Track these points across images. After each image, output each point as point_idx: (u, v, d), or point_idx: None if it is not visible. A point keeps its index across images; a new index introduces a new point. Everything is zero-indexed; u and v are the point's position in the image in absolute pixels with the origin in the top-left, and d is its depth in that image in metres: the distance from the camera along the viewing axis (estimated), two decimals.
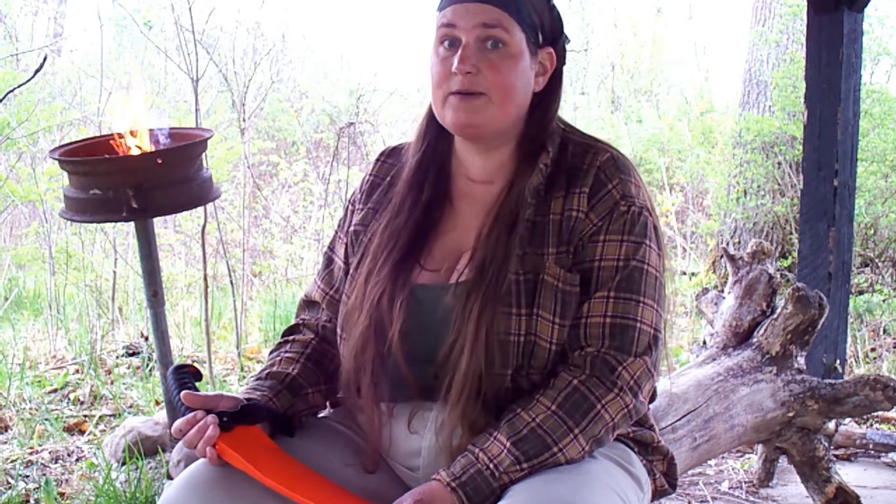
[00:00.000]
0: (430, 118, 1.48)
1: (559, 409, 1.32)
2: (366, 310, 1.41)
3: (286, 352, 1.53)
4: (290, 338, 1.57)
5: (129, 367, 4.13)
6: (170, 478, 2.78)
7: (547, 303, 1.36)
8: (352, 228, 1.54)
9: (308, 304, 1.62)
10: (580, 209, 1.39)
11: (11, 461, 3.07)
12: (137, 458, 2.81)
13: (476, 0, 1.37)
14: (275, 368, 1.49)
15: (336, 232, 1.60)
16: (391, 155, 1.57)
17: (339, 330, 1.50)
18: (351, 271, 1.50)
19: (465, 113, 1.38)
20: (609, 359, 1.35)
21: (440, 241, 1.46)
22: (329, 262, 1.59)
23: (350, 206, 1.58)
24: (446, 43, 1.39)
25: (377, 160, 1.58)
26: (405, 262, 1.42)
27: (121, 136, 2.79)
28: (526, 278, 1.37)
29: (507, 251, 1.37)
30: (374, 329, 1.40)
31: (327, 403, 1.58)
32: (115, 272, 4.87)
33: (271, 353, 1.55)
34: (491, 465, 1.30)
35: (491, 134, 1.42)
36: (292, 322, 1.63)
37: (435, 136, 1.48)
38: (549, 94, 1.45)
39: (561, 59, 1.46)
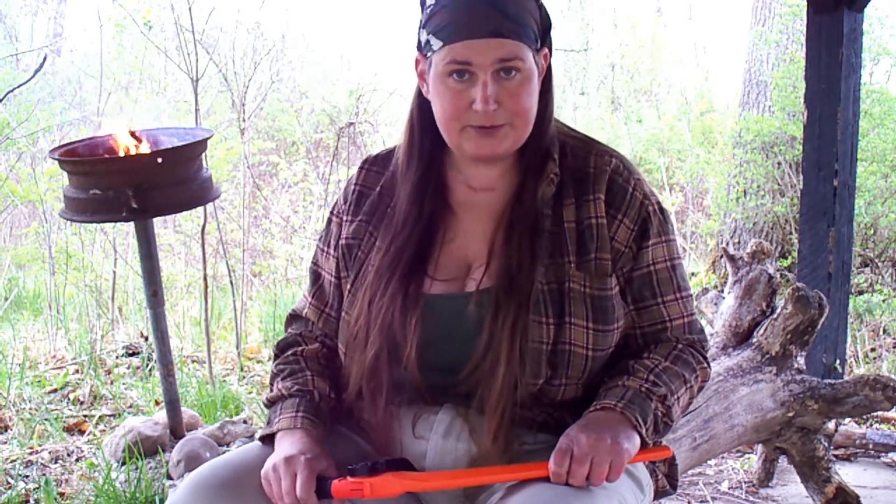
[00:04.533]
0: (423, 130, 1.44)
1: (674, 364, 1.43)
2: (375, 331, 1.39)
3: (310, 369, 1.49)
4: (299, 350, 1.53)
5: (128, 367, 4.14)
6: (170, 478, 2.78)
7: (578, 309, 1.37)
8: (343, 241, 1.50)
9: (296, 318, 1.59)
10: (599, 215, 1.40)
11: (11, 461, 3.07)
12: (137, 458, 2.81)
13: (491, 35, 1.32)
14: (313, 396, 1.45)
15: (318, 246, 1.56)
16: (375, 163, 1.53)
17: (342, 347, 1.48)
18: (348, 286, 1.47)
19: (487, 145, 1.36)
20: (695, 342, 1.49)
21: (445, 250, 1.43)
22: (317, 277, 1.55)
23: (335, 219, 1.54)
24: (455, 75, 1.34)
25: (361, 169, 1.54)
26: (413, 276, 1.40)
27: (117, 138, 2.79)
28: (550, 287, 1.37)
29: (532, 258, 1.37)
30: (388, 350, 1.38)
31: None
32: (114, 272, 4.87)
33: (291, 375, 1.49)
34: (643, 389, 1.37)
35: (509, 155, 1.41)
36: (285, 336, 1.58)
37: (430, 148, 1.45)
38: (544, 92, 1.44)
39: (551, 53, 1.45)
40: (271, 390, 1.50)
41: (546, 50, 1.42)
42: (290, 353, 1.54)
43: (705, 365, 1.49)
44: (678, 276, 1.46)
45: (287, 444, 1.36)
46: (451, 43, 1.33)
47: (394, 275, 1.40)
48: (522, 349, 1.34)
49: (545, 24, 1.41)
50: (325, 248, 1.54)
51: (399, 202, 1.45)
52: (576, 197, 1.41)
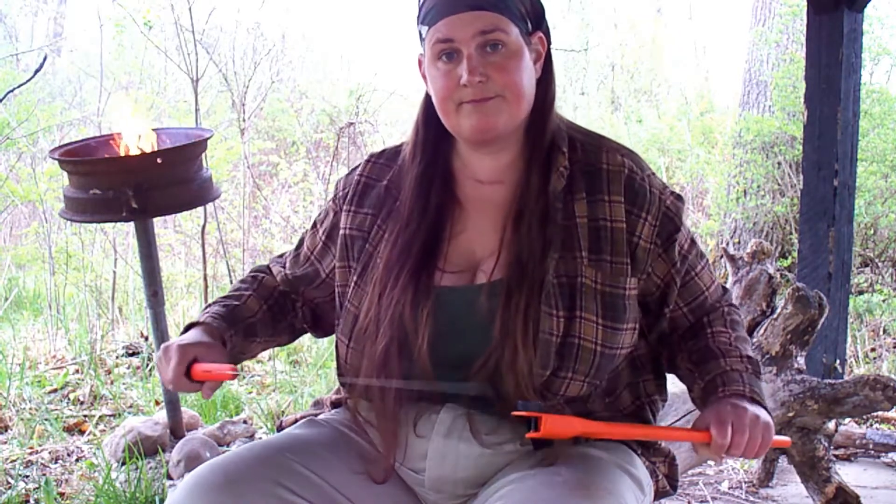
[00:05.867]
0: (426, 125, 1.46)
1: (735, 330, 1.52)
2: (386, 324, 1.39)
3: (254, 290, 1.59)
4: (260, 276, 1.63)
5: (128, 367, 4.14)
6: (170, 478, 2.78)
7: (589, 304, 1.37)
8: (347, 232, 1.50)
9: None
10: (615, 219, 1.40)
11: (11, 461, 3.07)
12: (137, 458, 2.81)
13: (468, 9, 1.35)
14: (239, 305, 1.55)
15: (314, 224, 1.61)
16: (382, 156, 1.55)
17: (344, 339, 1.48)
18: (354, 279, 1.47)
19: (482, 117, 1.37)
20: (731, 301, 1.59)
21: (454, 244, 1.44)
22: (299, 244, 1.63)
23: (333, 206, 1.55)
24: (444, 57, 1.37)
25: (367, 161, 1.55)
26: (423, 269, 1.40)
27: (120, 136, 2.79)
28: (560, 281, 1.37)
29: (542, 249, 1.37)
30: (398, 343, 1.38)
31: (329, 403, 1.58)
32: (115, 272, 4.87)
33: (240, 282, 1.61)
34: (751, 370, 1.44)
35: (507, 134, 1.41)
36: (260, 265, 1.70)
37: (434, 141, 1.46)
38: (544, 77, 1.45)
39: (549, 41, 1.46)
40: None
41: (541, 34, 1.43)
42: (250, 275, 1.64)
43: (741, 318, 1.60)
44: (697, 247, 1.52)
45: (183, 336, 1.47)
46: (434, 24, 1.37)
47: (404, 267, 1.40)
48: (534, 338, 1.34)
49: (536, 9, 1.43)
50: (316, 228, 1.60)
51: (405, 195, 1.46)
52: (587, 192, 1.41)
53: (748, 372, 1.44)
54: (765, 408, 1.39)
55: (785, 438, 1.50)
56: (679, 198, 1.48)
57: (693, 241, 1.51)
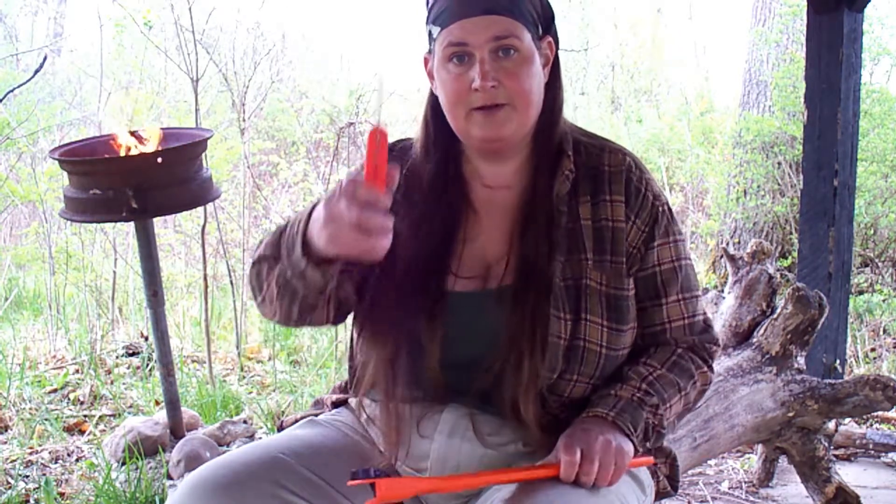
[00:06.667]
0: (435, 122, 1.45)
1: (669, 371, 1.43)
2: (397, 321, 1.39)
3: None
4: None
5: (128, 367, 4.14)
6: (170, 478, 2.78)
7: (594, 307, 1.37)
8: None
9: None
10: (616, 219, 1.40)
11: (11, 461, 3.07)
12: (137, 458, 2.81)
13: (482, 13, 1.34)
14: None
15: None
16: (393, 149, 1.52)
17: (359, 332, 1.47)
18: (375, 273, 1.44)
19: (491, 128, 1.36)
20: (696, 344, 1.49)
21: (468, 248, 1.44)
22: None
23: None
24: (456, 59, 1.36)
25: None
26: (437, 272, 1.40)
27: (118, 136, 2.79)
28: (567, 284, 1.37)
29: (548, 253, 1.37)
30: (408, 343, 1.38)
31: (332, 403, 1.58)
32: (115, 272, 4.87)
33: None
34: (635, 399, 1.37)
35: (515, 142, 1.41)
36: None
37: (445, 142, 1.45)
38: (552, 82, 1.45)
39: (557, 45, 1.46)
40: (258, 248, 1.39)
41: (550, 38, 1.43)
42: None
43: (705, 369, 1.48)
44: (682, 277, 1.45)
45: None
46: (447, 26, 1.36)
47: (417, 269, 1.40)
48: (542, 342, 1.34)
49: (546, 13, 1.43)
50: None
51: (419, 194, 1.45)
52: (591, 195, 1.41)
53: (630, 401, 1.36)
54: (628, 435, 1.32)
55: (647, 459, 1.39)
56: (671, 211, 1.46)
57: (679, 269, 1.45)
